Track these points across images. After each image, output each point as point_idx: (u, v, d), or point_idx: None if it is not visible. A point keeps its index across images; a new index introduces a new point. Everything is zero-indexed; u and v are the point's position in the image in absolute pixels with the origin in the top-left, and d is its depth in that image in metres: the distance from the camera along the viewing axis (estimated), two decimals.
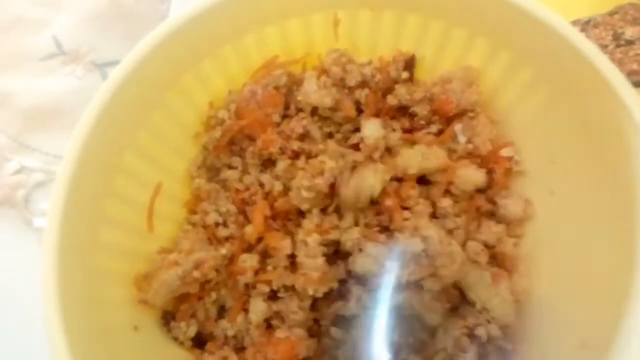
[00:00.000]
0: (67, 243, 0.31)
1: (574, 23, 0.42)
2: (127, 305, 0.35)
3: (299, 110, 0.41)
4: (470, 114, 0.40)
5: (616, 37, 0.41)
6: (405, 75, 0.41)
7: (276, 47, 0.40)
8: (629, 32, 0.41)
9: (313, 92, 0.39)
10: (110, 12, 0.56)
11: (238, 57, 0.39)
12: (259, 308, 0.36)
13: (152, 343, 0.36)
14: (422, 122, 0.41)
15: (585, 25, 0.42)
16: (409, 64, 0.41)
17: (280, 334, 0.36)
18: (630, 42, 0.40)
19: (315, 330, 0.37)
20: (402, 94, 0.40)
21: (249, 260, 0.37)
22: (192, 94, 0.39)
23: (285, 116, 0.41)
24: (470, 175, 0.39)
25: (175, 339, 0.37)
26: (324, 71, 0.41)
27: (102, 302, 0.34)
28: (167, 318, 0.37)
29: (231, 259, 0.38)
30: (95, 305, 0.33)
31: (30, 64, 0.54)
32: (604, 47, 0.41)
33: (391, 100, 0.41)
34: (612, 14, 0.42)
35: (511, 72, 0.38)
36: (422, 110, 0.40)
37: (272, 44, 0.40)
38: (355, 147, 0.39)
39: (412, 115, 0.41)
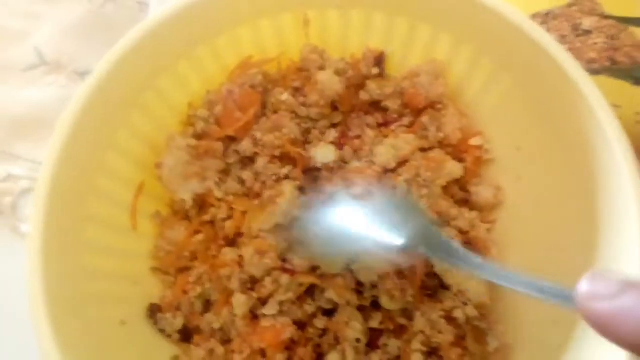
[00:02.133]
0: (51, 242, 0.32)
1: (535, 16, 0.45)
2: (114, 300, 0.36)
3: (276, 108, 0.42)
4: (439, 106, 0.41)
5: (575, 27, 0.43)
6: (375, 71, 0.42)
7: (250, 48, 0.42)
8: (587, 23, 0.43)
9: (329, 80, 0.40)
10: (90, 21, 0.57)
11: (213, 58, 0.41)
12: (240, 300, 0.37)
13: (140, 337, 0.37)
14: (395, 115, 0.43)
15: (546, 17, 0.44)
16: (379, 60, 0.43)
17: (265, 322, 0.37)
18: (588, 32, 0.43)
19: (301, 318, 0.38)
20: (373, 89, 0.42)
21: (230, 254, 0.38)
22: (169, 94, 0.40)
23: (262, 115, 0.42)
24: (451, 168, 0.41)
25: (162, 331, 0.38)
26: (299, 70, 0.43)
27: (89, 298, 0.34)
28: (154, 310, 0.38)
29: (215, 255, 0.39)
30: (82, 301, 0.34)
31: (13, 75, 0.55)
32: (563, 38, 0.43)
33: (363, 95, 0.43)
34: (570, 5, 0.44)
35: (475, 65, 0.40)
36: (393, 104, 0.42)
37: (245, 44, 0.41)
38: (335, 144, 0.41)
39: (385, 110, 0.43)
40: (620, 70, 0.42)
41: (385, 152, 0.40)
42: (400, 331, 0.38)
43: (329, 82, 0.41)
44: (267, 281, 0.36)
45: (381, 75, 0.43)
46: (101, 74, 0.34)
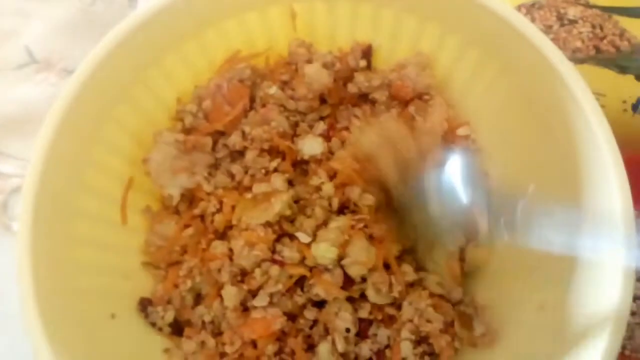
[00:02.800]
0: (40, 237, 0.32)
1: (520, 6, 0.45)
2: (104, 294, 0.36)
3: (265, 102, 0.43)
4: (426, 97, 0.42)
5: (560, 17, 0.43)
6: (363, 64, 0.43)
7: (238, 42, 0.42)
8: (572, 12, 0.44)
9: (317, 73, 0.41)
10: (80, 19, 0.57)
11: (201, 52, 0.41)
12: (230, 293, 0.37)
13: (131, 331, 0.38)
14: (382, 107, 0.43)
15: (531, 8, 0.45)
16: (366, 52, 0.43)
17: (256, 314, 0.37)
18: (573, 22, 0.43)
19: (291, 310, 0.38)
20: (361, 81, 0.42)
21: (220, 247, 0.38)
22: (157, 89, 0.40)
23: (250, 109, 0.43)
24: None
25: (153, 324, 0.38)
26: (287, 63, 0.43)
27: (79, 292, 0.35)
28: (144, 304, 0.38)
29: (205, 249, 0.39)
30: (72, 296, 0.34)
31: (4, 73, 0.55)
32: (548, 28, 0.43)
33: (351, 88, 0.43)
34: None
35: (461, 56, 0.40)
36: (381, 96, 0.42)
37: (233, 38, 0.41)
38: (324, 136, 0.41)
39: (373, 102, 0.43)
40: (605, 59, 0.43)
41: (374, 140, 0.40)
42: (389, 321, 0.38)
43: (317, 75, 0.41)
44: (257, 272, 0.37)
45: (369, 68, 0.43)
46: (88, 69, 0.34)
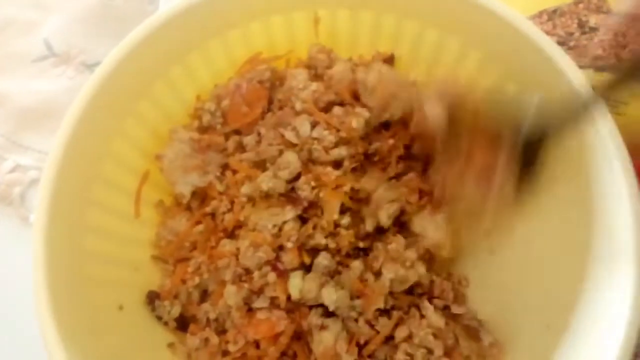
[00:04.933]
0: (55, 225, 0.33)
1: (542, 13, 0.46)
2: (113, 285, 0.37)
3: (282, 104, 0.43)
4: None
5: (581, 24, 0.44)
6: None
7: (260, 44, 0.42)
8: (593, 20, 0.44)
9: (342, 73, 0.41)
10: (99, 13, 0.58)
11: (224, 51, 0.41)
12: (231, 291, 0.37)
13: (137, 323, 0.38)
14: None
15: (552, 15, 0.45)
16: (388, 63, 0.43)
17: (260, 315, 0.37)
18: (594, 29, 0.44)
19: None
20: None
21: (228, 246, 0.38)
22: (179, 86, 0.41)
23: (267, 110, 0.43)
24: None
25: (159, 318, 0.38)
26: (306, 67, 0.43)
27: (90, 281, 0.35)
28: (152, 297, 0.38)
29: (213, 246, 0.40)
30: (82, 284, 0.35)
31: (23, 66, 0.56)
32: (570, 35, 0.44)
33: None
34: (577, 3, 0.45)
35: (481, 68, 0.40)
36: None
37: (256, 40, 0.42)
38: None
39: None
40: None
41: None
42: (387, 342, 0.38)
43: (341, 75, 0.41)
44: (256, 275, 0.37)
45: None
46: (112, 64, 0.35)
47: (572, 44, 0.43)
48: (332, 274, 0.37)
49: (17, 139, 0.52)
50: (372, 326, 0.37)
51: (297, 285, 0.36)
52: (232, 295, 0.37)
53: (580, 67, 0.35)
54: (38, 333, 0.31)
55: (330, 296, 0.36)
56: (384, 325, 0.37)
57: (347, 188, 0.38)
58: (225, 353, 0.38)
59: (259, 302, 0.37)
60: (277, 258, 0.37)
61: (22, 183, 0.50)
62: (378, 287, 0.37)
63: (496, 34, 0.37)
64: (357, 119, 0.39)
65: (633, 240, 0.31)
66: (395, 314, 0.37)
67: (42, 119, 0.52)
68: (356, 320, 0.37)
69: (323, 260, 0.37)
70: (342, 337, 0.36)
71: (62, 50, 0.56)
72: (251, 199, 0.38)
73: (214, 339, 0.38)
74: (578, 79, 0.34)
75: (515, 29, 0.36)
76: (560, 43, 0.43)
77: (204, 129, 0.42)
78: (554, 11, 0.45)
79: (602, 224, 0.33)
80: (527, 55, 0.36)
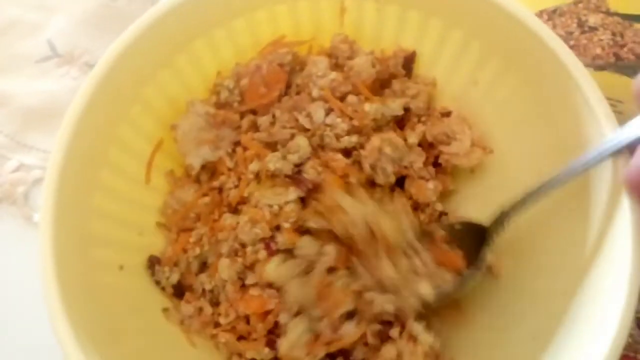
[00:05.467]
0: (66, 182, 0.33)
1: (541, 12, 0.45)
2: (117, 245, 0.38)
3: (300, 90, 0.43)
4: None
5: (580, 24, 0.44)
6: (403, 71, 0.43)
7: (285, 27, 0.43)
8: (592, 19, 0.44)
9: (363, 65, 0.42)
10: (102, 13, 0.58)
11: (249, 31, 0.42)
12: (224, 264, 0.38)
13: (136, 285, 0.39)
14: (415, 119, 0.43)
15: (552, 14, 0.45)
16: (409, 59, 0.43)
17: (253, 292, 0.38)
18: (593, 29, 0.43)
19: None
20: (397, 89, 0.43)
21: (229, 220, 0.39)
22: (201, 60, 0.42)
23: (285, 94, 0.43)
24: None
25: (158, 282, 0.40)
26: (328, 55, 0.44)
27: (94, 239, 0.36)
28: (153, 262, 0.40)
29: (216, 219, 0.41)
30: (87, 241, 0.36)
31: (27, 66, 0.56)
32: (569, 34, 0.44)
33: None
34: (576, 2, 0.45)
35: (500, 72, 0.40)
36: (415, 107, 0.43)
37: (281, 22, 0.42)
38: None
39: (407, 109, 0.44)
40: (624, 67, 0.43)
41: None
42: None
43: (362, 67, 0.42)
44: (249, 250, 0.38)
45: (408, 76, 0.44)
46: (136, 31, 0.35)
47: (571, 43, 0.43)
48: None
49: (21, 139, 0.52)
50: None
51: (271, 269, 0.37)
52: (225, 268, 0.38)
53: None
54: (42, 331, 0.31)
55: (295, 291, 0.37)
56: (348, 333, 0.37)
57: (353, 179, 0.39)
58: (217, 324, 0.39)
59: (251, 278, 0.38)
60: (273, 237, 0.38)
61: (26, 182, 0.50)
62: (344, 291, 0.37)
63: (516, 40, 0.37)
64: (370, 105, 0.39)
65: (629, 268, 0.30)
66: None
67: (46, 119, 0.53)
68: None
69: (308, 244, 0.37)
70: (305, 336, 0.36)
71: (66, 51, 0.57)
72: (257, 177, 0.39)
73: (208, 309, 0.39)
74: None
75: (535, 35, 0.35)
76: None
77: (220, 105, 0.43)
78: (554, 11, 0.45)
79: (598, 239, 0.33)
80: (545, 64, 0.35)
